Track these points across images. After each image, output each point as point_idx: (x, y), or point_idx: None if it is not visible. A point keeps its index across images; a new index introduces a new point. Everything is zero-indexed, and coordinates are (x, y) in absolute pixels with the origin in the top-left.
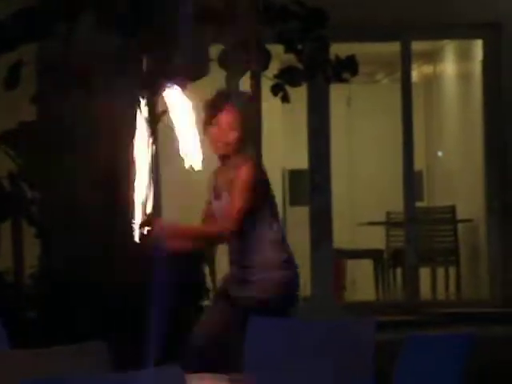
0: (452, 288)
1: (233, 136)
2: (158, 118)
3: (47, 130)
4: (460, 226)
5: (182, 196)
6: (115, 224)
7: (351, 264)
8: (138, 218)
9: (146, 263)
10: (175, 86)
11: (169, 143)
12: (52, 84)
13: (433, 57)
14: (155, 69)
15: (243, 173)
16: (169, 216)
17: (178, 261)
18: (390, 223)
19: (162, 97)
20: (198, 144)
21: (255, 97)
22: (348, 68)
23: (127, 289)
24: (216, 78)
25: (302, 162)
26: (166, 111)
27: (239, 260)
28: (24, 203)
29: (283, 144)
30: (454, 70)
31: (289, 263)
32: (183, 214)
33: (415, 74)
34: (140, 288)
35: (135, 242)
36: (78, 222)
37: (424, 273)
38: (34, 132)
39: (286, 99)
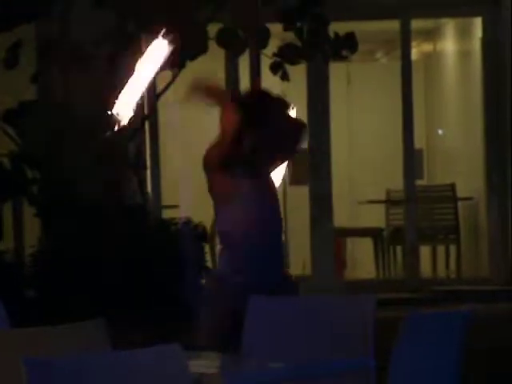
0: (452, 266)
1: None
2: (157, 96)
3: (47, 109)
4: (460, 203)
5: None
6: (116, 200)
7: (351, 242)
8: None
9: (149, 240)
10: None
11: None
12: (51, 63)
13: (432, 35)
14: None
15: None
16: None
17: (180, 239)
18: (390, 201)
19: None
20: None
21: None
22: (347, 45)
23: (127, 265)
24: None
25: None
26: (165, 89)
27: None
28: (24, 183)
29: None
30: (453, 47)
31: None
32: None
33: (415, 52)
34: (140, 264)
35: (136, 219)
36: (77, 200)
37: (424, 251)
38: (34, 111)
39: (285, 77)
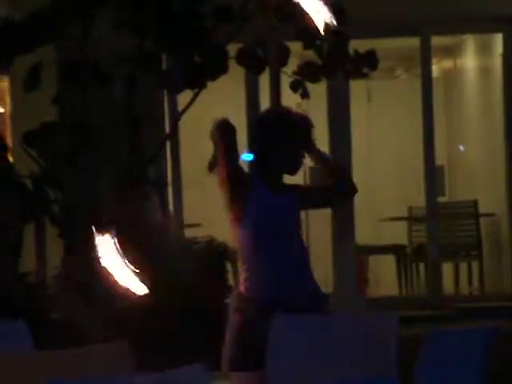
0: (475, 282)
1: None
2: (178, 116)
3: (68, 130)
4: (482, 220)
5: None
6: (136, 220)
7: (374, 260)
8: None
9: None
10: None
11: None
12: (72, 84)
13: (453, 51)
14: (176, 67)
15: None
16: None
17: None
18: (412, 218)
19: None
20: None
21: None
22: (368, 63)
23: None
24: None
25: None
26: (186, 109)
27: None
28: (47, 204)
29: None
30: (474, 63)
31: None
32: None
33: (435, 69)
34: (163, 285)
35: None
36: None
37: (447, 268)
38: (55, 132)
39: (305, 95)
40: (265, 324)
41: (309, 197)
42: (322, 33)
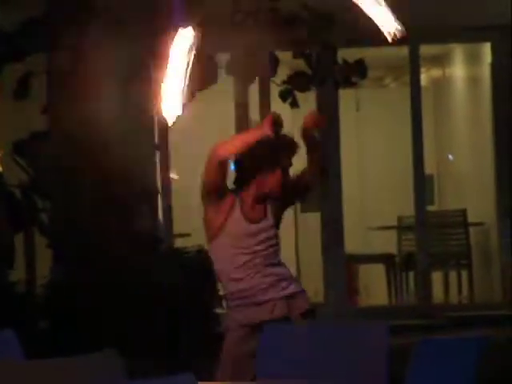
0: (464, 291)
1: None
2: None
3: (58, 140)
4: (471, 229)
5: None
6: (127, 229)
7: (363, 269)
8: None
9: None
10: None
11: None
12: (62, 93)
13: (441, 60)
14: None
15: None
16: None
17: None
18: (401, 227)
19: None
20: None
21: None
22: (357, 72)
23: (138, 294)
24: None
25: None
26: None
27: None
28: (35, 213)
29: None
30: (462, 73)
31: None
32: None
33: (424, 78)
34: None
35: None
36: (87, 230)
37: (436, 276)
38: (45, 142)
39: (295, 104)
40: (254, 334)
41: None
42: (390, 40)
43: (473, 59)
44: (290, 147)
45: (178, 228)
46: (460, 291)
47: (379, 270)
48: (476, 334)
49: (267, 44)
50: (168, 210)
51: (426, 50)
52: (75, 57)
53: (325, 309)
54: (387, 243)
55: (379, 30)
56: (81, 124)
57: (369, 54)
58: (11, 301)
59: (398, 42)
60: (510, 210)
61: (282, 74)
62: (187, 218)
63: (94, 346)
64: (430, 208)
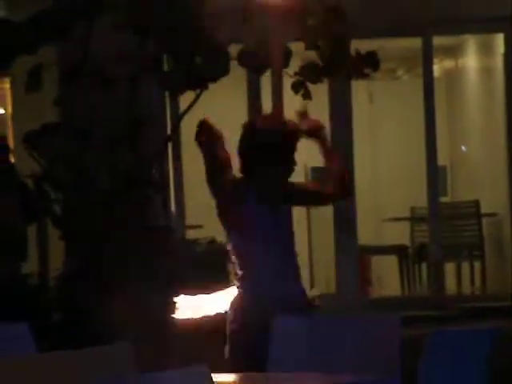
0: (477, 282)
1: None
2: (180, 117)
3: (70, 131)
4: (484, 220)
5: None
6: (139, 221)
7: (376, 260)
8: None
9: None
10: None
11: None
12: (74, 85)
13: (454, 51)
14: (177, 68)
15: None
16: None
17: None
18: (414, 219)
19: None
20: None
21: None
22: (369, 63)
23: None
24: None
25: None
26: (188, 110)
27: None
28: (48, 204)
29: (305, 141)
30: (475, 64)
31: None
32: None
33: (437, 69)
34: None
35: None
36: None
37: (449, 268)
38: (56, 133)
39: (307, 96)
40: (264, 325)
41: (292, 198)
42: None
43: (486, 50)
44: (293, 134)
45: (189, 220)
46: (473, 282)
47: (392, 261)
48: (489, 325)
49: (280, 35)
50: (180, 201)
51: (438, 41)
52: (86, 47)
53: (337, 300)
54: (400, 234)
55: (392, 21)
56: (91, 115)
57: (381, 45)
58: (24, 293)
59: (410, 33)
60: None
61: (294, 65)
62: (199, 210)
63: (106, 339)
64: (443, 199)
